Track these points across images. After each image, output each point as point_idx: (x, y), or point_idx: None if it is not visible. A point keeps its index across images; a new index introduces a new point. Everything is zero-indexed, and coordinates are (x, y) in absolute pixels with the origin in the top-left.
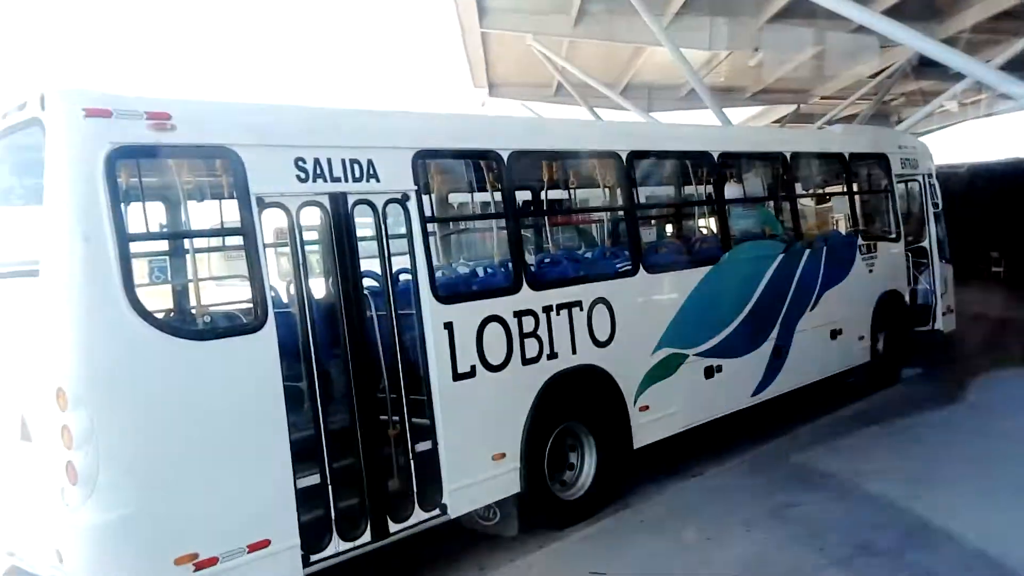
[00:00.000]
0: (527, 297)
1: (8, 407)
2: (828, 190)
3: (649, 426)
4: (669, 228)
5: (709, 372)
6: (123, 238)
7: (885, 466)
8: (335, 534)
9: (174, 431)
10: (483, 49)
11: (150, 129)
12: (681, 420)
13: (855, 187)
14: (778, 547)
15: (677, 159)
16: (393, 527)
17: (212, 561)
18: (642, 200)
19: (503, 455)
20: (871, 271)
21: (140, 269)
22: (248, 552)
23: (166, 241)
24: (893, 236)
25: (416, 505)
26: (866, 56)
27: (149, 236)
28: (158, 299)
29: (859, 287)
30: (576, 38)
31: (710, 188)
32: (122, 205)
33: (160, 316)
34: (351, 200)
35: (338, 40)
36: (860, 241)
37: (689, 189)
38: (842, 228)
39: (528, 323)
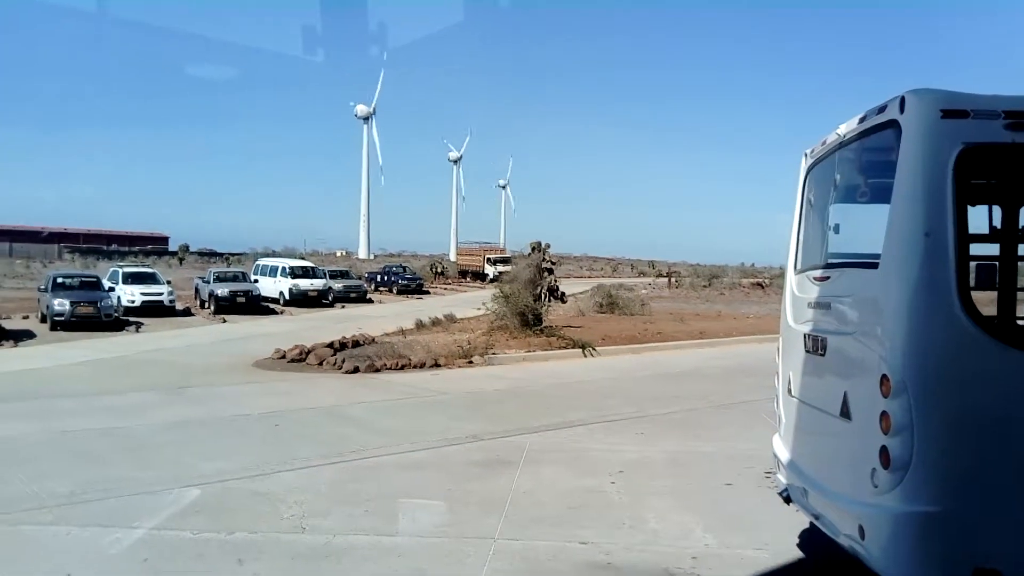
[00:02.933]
0: None
1: (833, 384)
2: None
3: None
4: None
5: None
6: (963, 237)
7: None
8: None
9: (990, 438)
10: None
11: (1007, 128)
12: None
13: None
14: None
15: None
16: None
17: None
18: None
19: None
20: None
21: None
22: None
23: (998, 244)
24: None
25: None
26: None
27: (987, 238)
28: (982, 304)
29: None
30: None
31: None
32: (966, 204)
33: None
34: None
35: None
36: None
37: None
38: None
39: None
